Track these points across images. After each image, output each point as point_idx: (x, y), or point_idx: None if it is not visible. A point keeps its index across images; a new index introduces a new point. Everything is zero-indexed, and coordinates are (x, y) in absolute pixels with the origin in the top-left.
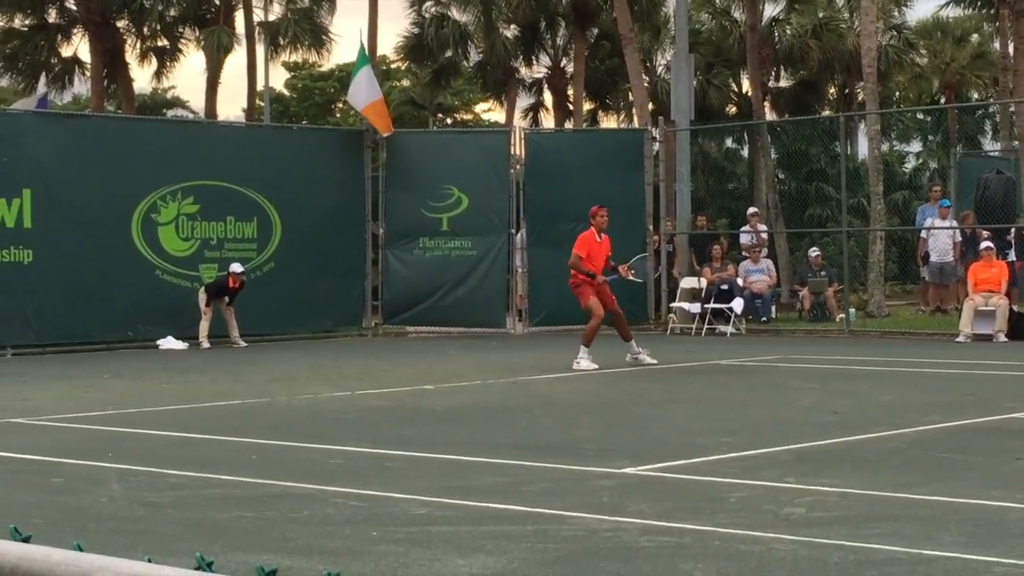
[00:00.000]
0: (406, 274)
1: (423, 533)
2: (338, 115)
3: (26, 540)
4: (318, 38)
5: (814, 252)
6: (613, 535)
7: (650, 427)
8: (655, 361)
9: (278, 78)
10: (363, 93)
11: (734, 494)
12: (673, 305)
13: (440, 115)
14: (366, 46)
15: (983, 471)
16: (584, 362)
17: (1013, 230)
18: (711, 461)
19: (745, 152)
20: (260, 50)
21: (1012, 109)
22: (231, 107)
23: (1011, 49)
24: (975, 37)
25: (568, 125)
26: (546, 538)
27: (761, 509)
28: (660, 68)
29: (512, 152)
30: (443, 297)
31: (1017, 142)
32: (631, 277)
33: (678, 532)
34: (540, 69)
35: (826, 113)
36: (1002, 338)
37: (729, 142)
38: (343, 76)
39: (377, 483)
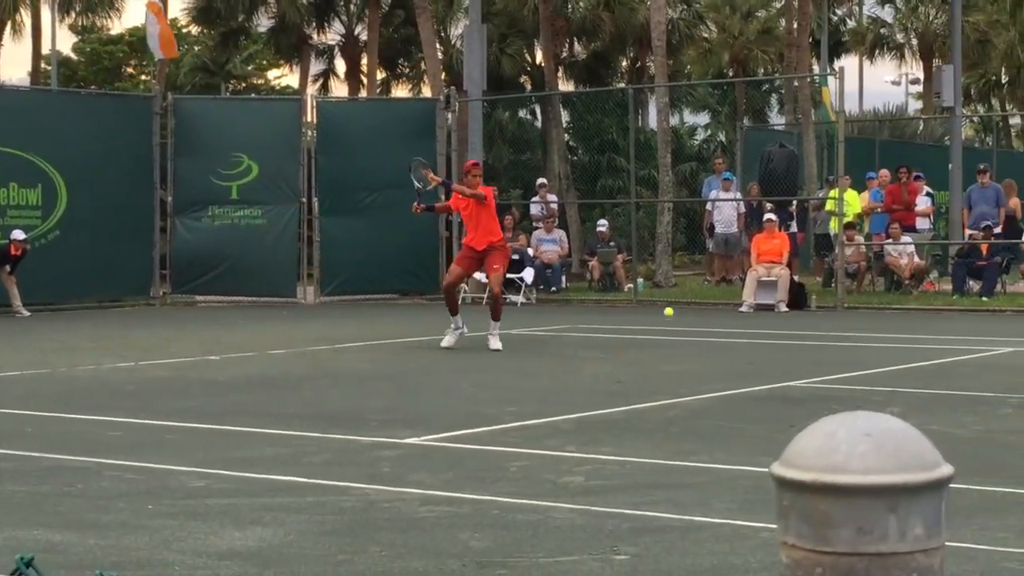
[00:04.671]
0: (195, 242)
1: (200, 506)
2: (128, 80)
3: None
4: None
5: (601, 225)
6: (392, 505)
7: (436, 397)
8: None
9: (65, 41)
10: (152, 36)
11: (515, 463)
12: None
13: (233, 81)
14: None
15: (758, 438)
16: (449, 336)
17: (795, 202)
18: (495, 430)
19: (538, 123)
20: (45, 12)
21: (796, 84)
22: (14, 70)
23: (795, 25)
24: (762, 13)
25: (361, 94)
26: (324, 510)
27: (541, 478)
28: (454, 38)
29: (304, 120)
30: (233, 266)
31: (801, 116)
32: (417, 184)
33: (457, 502)
34: (334, 36)
35: (618, 85)
36: (783, 308)
37: (523, 113)
38: (133, 41)
39: (155, 456)
